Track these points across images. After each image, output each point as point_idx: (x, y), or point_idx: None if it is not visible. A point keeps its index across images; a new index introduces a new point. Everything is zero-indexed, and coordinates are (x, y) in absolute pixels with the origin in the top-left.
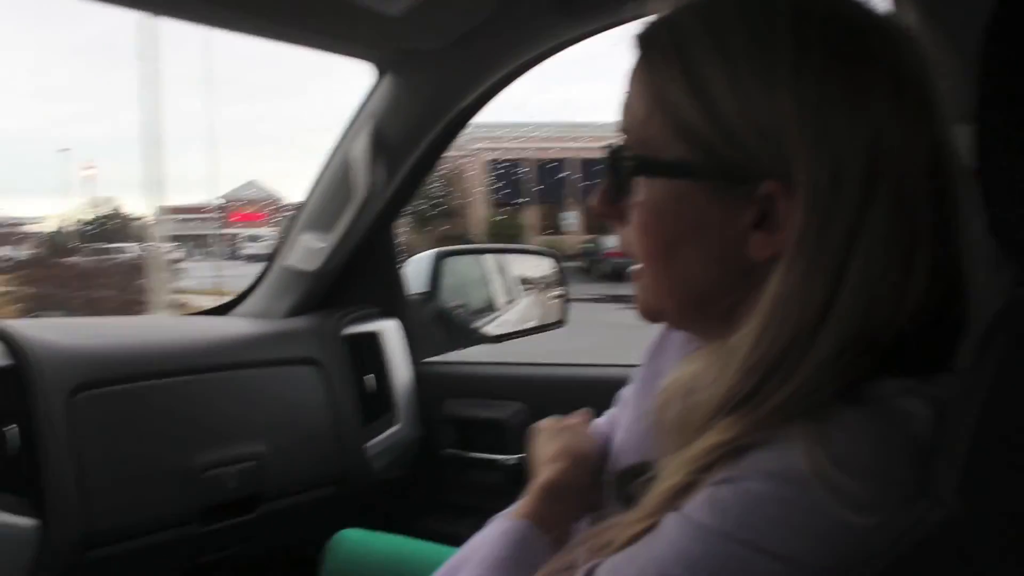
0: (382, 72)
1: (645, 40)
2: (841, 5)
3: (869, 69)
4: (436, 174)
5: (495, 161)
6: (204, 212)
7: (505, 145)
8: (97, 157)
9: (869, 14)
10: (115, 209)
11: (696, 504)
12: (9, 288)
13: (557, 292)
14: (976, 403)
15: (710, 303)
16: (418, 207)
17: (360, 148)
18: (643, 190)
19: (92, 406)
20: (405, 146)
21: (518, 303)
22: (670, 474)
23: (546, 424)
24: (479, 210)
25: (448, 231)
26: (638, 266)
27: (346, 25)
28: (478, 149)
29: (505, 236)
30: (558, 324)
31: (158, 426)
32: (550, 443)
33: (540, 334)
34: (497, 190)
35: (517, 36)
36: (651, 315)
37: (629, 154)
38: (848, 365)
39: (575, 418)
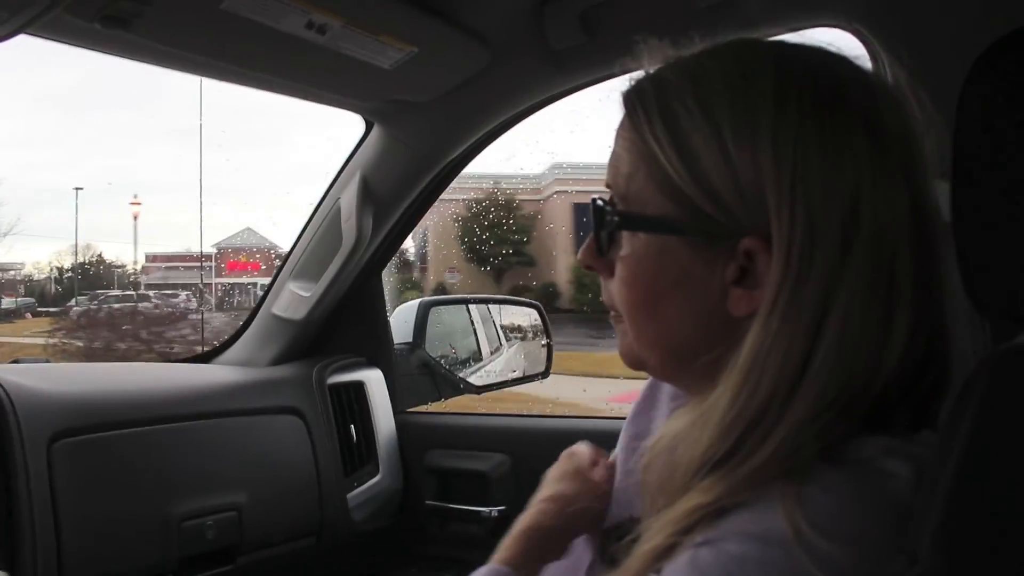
0: (371, 123)
1: (631, 97)
2: (823, 66)
3: (848, 128)
4: (515, 216)
5: (579, 205)
6: (193, 260)
7: (588, 188)
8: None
9: (850, 73)
10: (98, 255)
11: (677, 567)
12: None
13: (542, 342)
14: (952, 461)
15: (692, 357)
16: (497, 253)
17: (348, 198)
18: (627, 244)
19: (70, 454)
20: (393, 197)
21: (503, 353)
22: (651, 536)
23: (566, 456)
24: (563, 257)
25: (527, 281)
26: (613, 312)
27: (338, 77)
28: (560, 192)
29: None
30: (542, 375)
31: (137, 475)
32: (551, 482)
33: (524, 385)
34: (583, 235)
35: (508, 89)
36: (633, 363)
37: (614, 209)
38: (828, 424)
39: (587, 454)
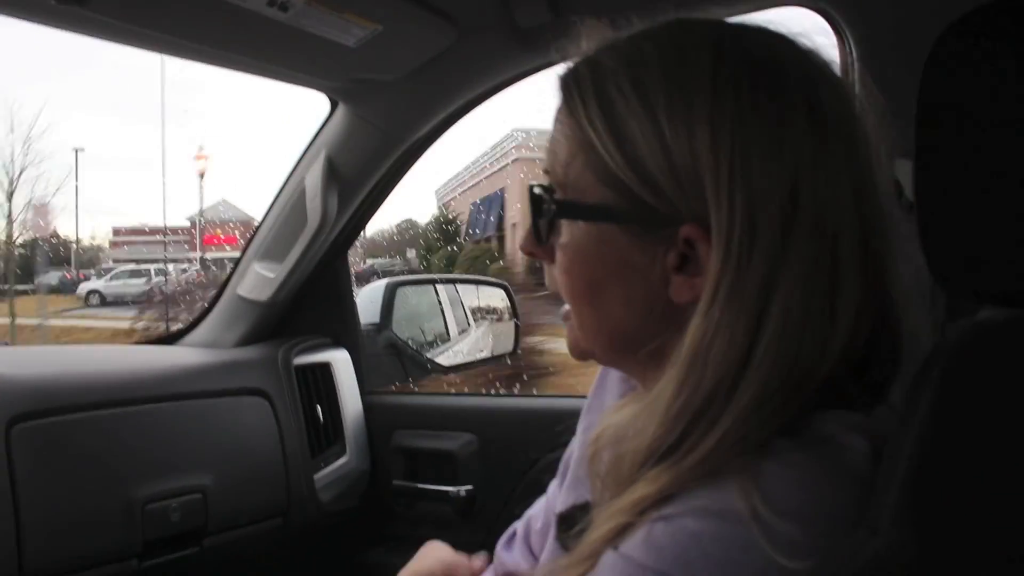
0: (335, 102)
1: (567, 81)
2: (762, 47)
3: (787, 112)
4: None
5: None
6: (165, 234)
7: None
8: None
9: (791, 54)
10: (52, 232)
11: (633, 543)
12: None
13: (509, 322)
14: (913, 434)
15: (636, 345)
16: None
17: (313, 178)
18: (566, 232)
19: (30, 438)
20: (358, 176)
21: (470, 333)
22: (601, 523)
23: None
24: (521, 230)
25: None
26: (567, 307)
27: (301, 56)
28: (519, 160)
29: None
30: (511, 354)
31: (99, 458)
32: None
33: (491, 364)
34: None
35: (474, 68)
36: (580, 354)
37: (552, 197)
38: (776, 410)
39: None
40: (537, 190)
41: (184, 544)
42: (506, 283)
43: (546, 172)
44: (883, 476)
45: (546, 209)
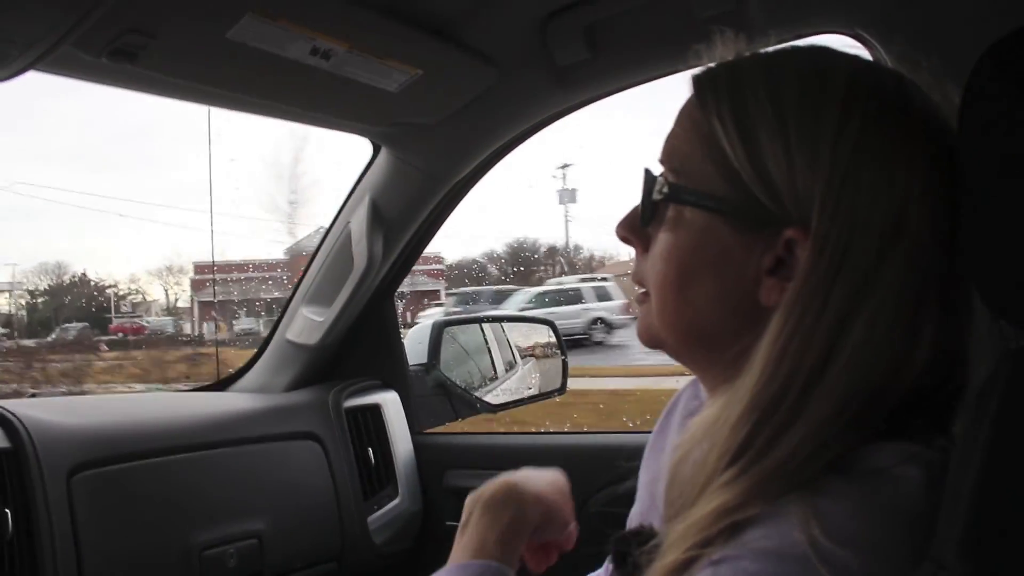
0: (378, 147)
1: (702, 80)
2: (892, 86)
3: (907, 144)
4: None
5: None
6: (257, 270)
7: None
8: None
9: (919, 99)
10: (80, 275)
11: None
12: None
13: (557, 359)
14: (973, 466)
15: (712, 343)
16: None
17: (358, 222)
18: (672, 217)
19: (90, 487)
20: (403, 219)
21: (517, 371)
22: (671, 546)
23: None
24: None
25: None
26: (642, 290)
27: (344, 102)
28: None
29: None
30: (559, 391)
31: (157, 505)
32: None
33: (540, 401)
34: None
35: (514, 107)
36: (650, 340)
37: (666, 180)
38: (844, 429)
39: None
40: (651, 173)
41: None
42: (551, 320)
43: (661, 162)
44: (946, 510)
45: (658, 191)
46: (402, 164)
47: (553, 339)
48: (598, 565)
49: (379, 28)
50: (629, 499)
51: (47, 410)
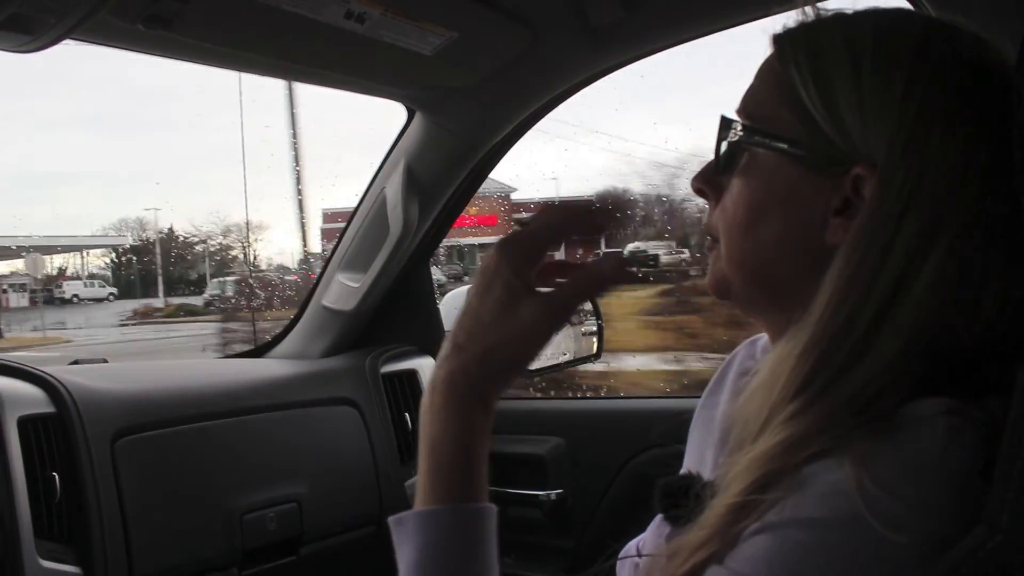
0: (413, 111)
1: (783, 38)
2: (968, 44)
3: (973, 106)
4: None
5: None
6: None
7: None
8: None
9: (994, 59)
10: (167, 229)
11: (740, 557)
12: None
13: (593, 324)
14: None
15: (780, 286)
16: None
17: (394, 187)
18: (746, 163)
19: (133, 451)
20: (438, 184)
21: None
22: (734, 478)
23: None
24: None
25: None
26: (715, 242)
27: (379, 66)
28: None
29: None
30: (595, 356)
31: (198, 470)
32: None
33: (576, 366)
34: None
35: (549, 70)
36: (719, 287)
37: (741, 124)
38: (913, 370)
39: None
40: (727, 120)
41: (282, 553)
42: None
43: (738, 112)
44: (1000, 472)
45: (732, 135)
46: (437, 129)
47: (588, 305)
48: (642, 529)
49: None
50: (672, 463)
51: (90, 376)
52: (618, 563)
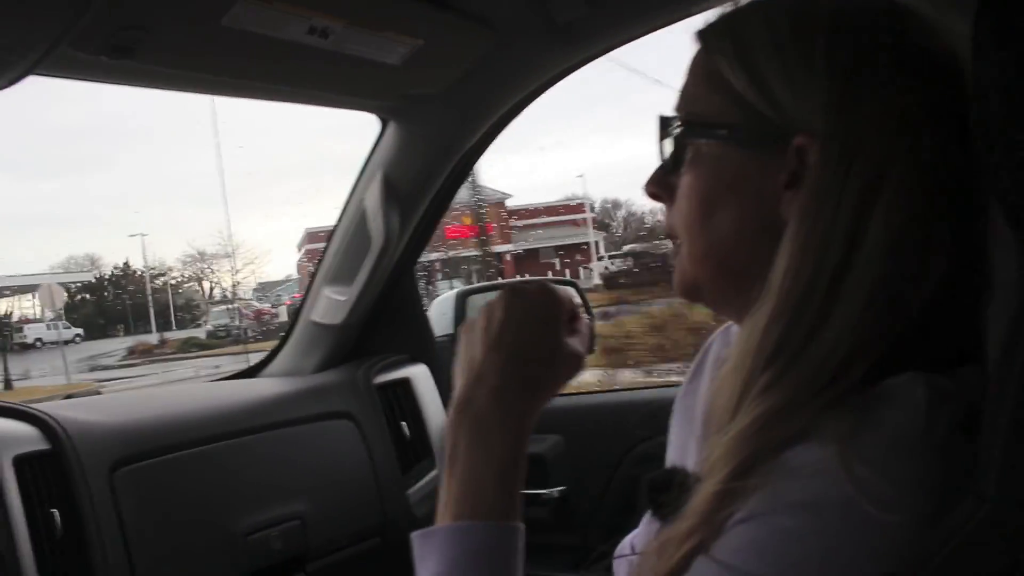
0: (386, 121)
1: (706, 31)
2: (879, 8)
3: (899, 59)
4: None
5: None
6: None
7: None
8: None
9: (910, 25)
10: (122, 265)
11: (729, 548)
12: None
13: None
14: (1010, 395)
15: (744, 272)
16: None
17: (373, 198)
18: (691, 158)
19: (132, 481)
20: (417, 191)
21: None
22: (714, 463)
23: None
24: None
25: None
26: (677, 242)
27: (347, 79)
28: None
29: None
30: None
31: (199, 494)
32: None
33: None
34: None
35: (517, 70)
36: (687, 288)
37: (679, 119)
38: (879, 331)
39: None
40: (666, 118)
41: (288, 571)
42: (575, 281)
43: (676, 111)
44: (984, 443)
45: (672, 131)
46: (411, 137)
47: (578, 299)
48: (634, 526)
49: (374, 1)
50: (662, 455)
51: (83, 410)
52: (615, 562)
